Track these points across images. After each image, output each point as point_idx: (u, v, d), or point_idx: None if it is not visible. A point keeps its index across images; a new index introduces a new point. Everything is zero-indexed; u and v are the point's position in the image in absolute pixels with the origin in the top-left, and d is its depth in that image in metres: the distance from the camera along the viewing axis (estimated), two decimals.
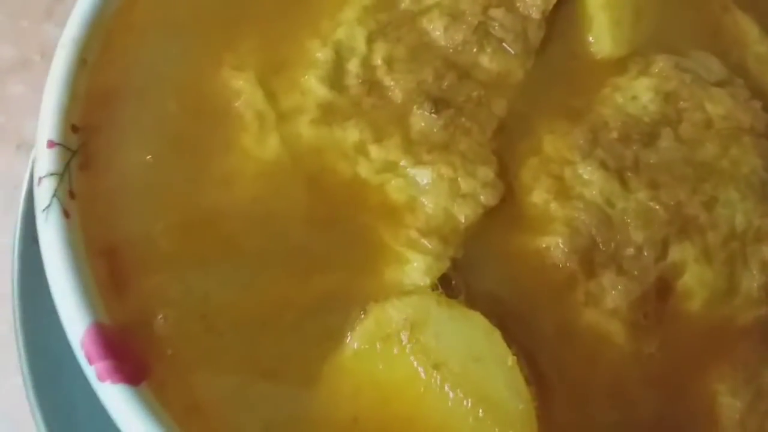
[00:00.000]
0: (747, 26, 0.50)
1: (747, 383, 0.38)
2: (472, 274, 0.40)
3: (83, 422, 0.46)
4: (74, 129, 0.41)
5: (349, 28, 0.46)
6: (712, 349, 0.39)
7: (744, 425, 0.38)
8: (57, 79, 0.41)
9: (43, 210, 0.37)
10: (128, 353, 0.35)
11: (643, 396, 0.38)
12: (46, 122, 0.40)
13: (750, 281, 0.41)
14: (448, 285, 0.39)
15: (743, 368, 0.39)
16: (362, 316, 0.38)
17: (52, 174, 0.38)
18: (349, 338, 0.37)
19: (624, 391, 0.38)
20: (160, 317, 0.37)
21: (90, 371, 0.34)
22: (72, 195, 0.39)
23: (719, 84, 0.46)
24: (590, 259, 0.40)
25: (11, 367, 0.49)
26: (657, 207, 0.41)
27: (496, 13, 0.47)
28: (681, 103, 0.45)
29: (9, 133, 0.62)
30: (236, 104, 0.43)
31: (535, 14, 0.47)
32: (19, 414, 0.49)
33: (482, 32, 0.46)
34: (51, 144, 0.39)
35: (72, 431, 0.46)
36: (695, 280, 0.40)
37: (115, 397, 0.34)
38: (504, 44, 0.46)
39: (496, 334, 0.37)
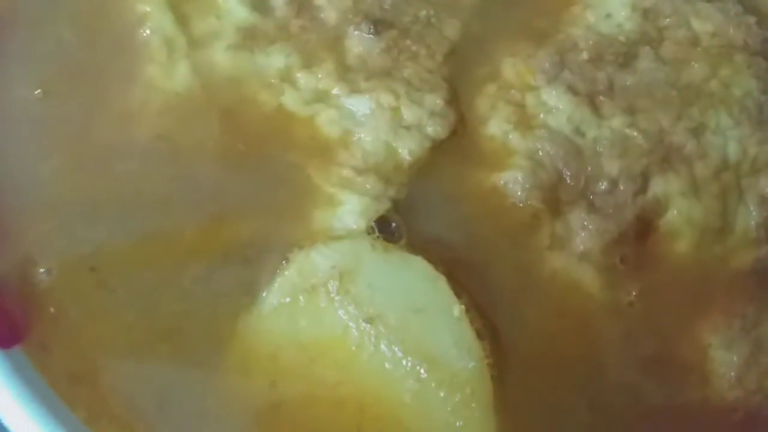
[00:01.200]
0: None
1: (744, 334, 0.33)
2: (417, 217, 0.34)
3: None
4: None
5: None
6: (702, 296, 0.34)
7: (742, 382, 0.31)
8: None
9: None
10: (2, 308, 0.29)
11: (622, 353, 0.32)
12: None
13: (746, 218, 0.35)
14: (387, 229, 0.33)
15: (740, 318, 0.33)
16: (284, 265, 0.32)
17: None
18: (266, 292, 0.31)
19: (599, 348, 0.32)
20: (42, 270, 0.32)
21: None
22: None
23: None
24: (556, 195, 0.34)
25: None
26: (635, 134, 0.35)
27: None
28: (662, 19, 0.39)
29: None
30: (141, 31, 0.37)
31: None
32: None
33: None
34: None
35: None
36: (682, 218, 0.34)
37: None
38: None
39: (441, 282, 0.31)
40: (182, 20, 0.38)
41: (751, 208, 0.35)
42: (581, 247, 0.33)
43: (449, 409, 0.29)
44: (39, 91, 0.36)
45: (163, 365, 0.30)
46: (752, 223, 0.35)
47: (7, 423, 0.28)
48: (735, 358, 0.32)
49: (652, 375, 0.32)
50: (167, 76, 0.36)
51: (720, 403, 0.32)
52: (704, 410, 0.31)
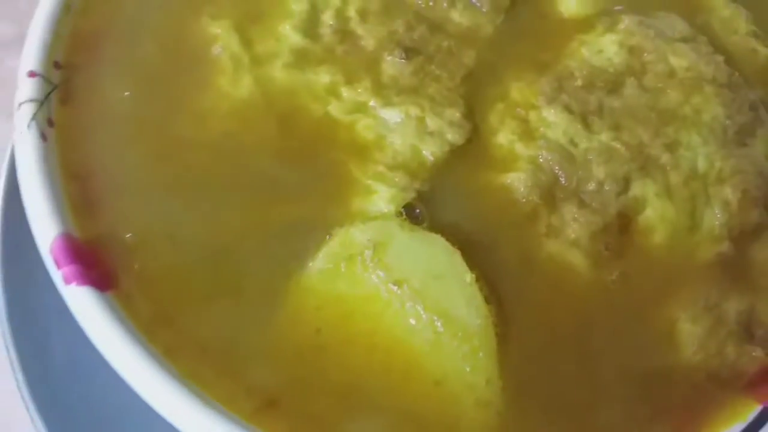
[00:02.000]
0: None
1: (707, 312, 0.39)
2: (437, 206, 0.41)
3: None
4: (57, 65, 0.42)
5: None
6: (673, 280, 0.40)
7: (704, 348, 0.38)
8: (41, 20, 0.43)
9: (22, 132, 0.39)
10: (95, 262, 0.36)
11: (604, 320, 0.38)
12: (29, 56, 0.41)
13: (712, 219, 0.42)
14: (412, 214, 0.40)
15: (703, 299, 0.39)
16: (327, 239, 0.39)
17: (32, 100, 0.40)
18: (313, 260, 0.38)
19: (585, 314, 0.38)
20: (129, 235, 0.38)
21: (57, 276, 0.35)
22: (51, 123, 0.40)
23: (683, 40, 0.48)
24: (552, 193, 0.41)
25: None
26: (619, 146, 0.42)
27: None
28: (645, 55, 0.47)
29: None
30: (213, 49, 0.45)
31: None
32: None
33: None
34: (32, 74, 0.41)
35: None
36: (656, 215, 0.41)
37: (80, 299, 0.35)
38: (474, 2, 0.48)
39: (456, 255, 0.37)
40: (246, 42, 0.45)
41: (716, 211, 0.42)
42: (572, 235, 0.40)
43: (460, 356, 0.36)
44: (128, 93, 0.43)
45: (226, 315, 0.37)
46: (716, 223, 0.42)
47: (102, 351, 0.34)
48: (699, 330, 0.38)
49: (630, 340, 0.38)
50: (234, 85, 0.44)
51: (686, 364, 0.38)
52: (673, 369, 0.38)
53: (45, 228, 0.36)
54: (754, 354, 0.38)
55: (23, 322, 0.46)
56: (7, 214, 0.51)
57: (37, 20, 0.43)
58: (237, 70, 0.44)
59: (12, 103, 0.68)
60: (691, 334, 0.38)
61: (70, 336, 0.38)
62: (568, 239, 0.40)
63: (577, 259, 0.40)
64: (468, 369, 0.36)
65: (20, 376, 0.47)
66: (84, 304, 0.35)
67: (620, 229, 0.41)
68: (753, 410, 0.36)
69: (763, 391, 0.37)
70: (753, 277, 0.41)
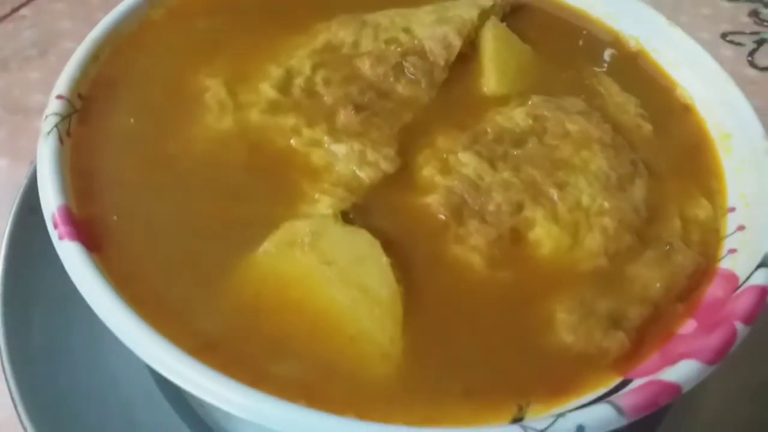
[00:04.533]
0: (609, 85, 0.65)
1: (580, 306, 0.47)
2: (367, 215, 0.51)
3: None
4: (80, 96, 0.55)
5: (300, 59, 0.61)
6: (555, 282, 0.49)
7: (575, 332, 0.46)
8: (73, 63, 0.56)
9: (44, 135, 0.50)
10: (87, 231, 0.46)
11: (495, 305, 0.46)
12: (60, 85, 0.54)
13: (592, 241, 0.51)
14: (346, 218, 0.50)
15: (580, 298, 0.48)
16: (276, 230, 0.48)
17: (56, 114, 0.51)
18: (262, 244, 0.47)
19: (480, 300, 0.47)
20: (114, 217, 0.48)
21: (54, 234, 0.44)
22: (69, 134, 0.52)
23: (579, 113, 0.60)
24: (460, 212, 0.51)
25: None
26: (516, 181, 0.53)
27: (412, 59, 0.62)
28: (546, 122, 0.59)
29: None
30: (205, 96, 0.57)
31: (441, 61, 0.63)
32: None
33: (399, 70, 0.62)
34: (60, 97, 0.53)
35: None
36: (544, 233, 0.51)
37: (71, 252, 0.44)
38: (414, 78, 0.61)
39: (377, 244, 0.47)
40: (232, 93, 0.58)
41: (597, 236, 0.51)
42: (473, 242, 0.49)
43: (371, 318, 0.44)
44: (132, 120, 0.55)
45: (183, 279, 0.45)
46: (595, 244, 0.51)
47: (82, 293, 0.43)
48: (573, 318, 0.46)
49: (516, 321, 0.46)
50: (218, 122, 0.55)
51: (560, 343, 0.45)
52: (551, 346, 0.45)
53: (51, 199, 0.46)
54: (616, 337, 0.45)
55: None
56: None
57: (71, 62, 0.55)
58: (222, 112, 0.56)
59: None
60: (565, 321, 0.46)
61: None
62: (470, 245, 0.49)
63: (475, 259, 0.49)
64: (377, 329, 0.44)
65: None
66: (73, 256, 0.44)
67: (512, 241, 0.50)
68: (615, 380, 0.44)
69: (623, 367, 0.44)
70: (624, 286, 0.49)
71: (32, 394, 0.53)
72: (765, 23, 1.11)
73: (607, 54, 0.70)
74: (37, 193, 0.48)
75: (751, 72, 1.03)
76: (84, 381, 0.55)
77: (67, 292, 0.44)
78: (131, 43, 0.60)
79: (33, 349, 0.55)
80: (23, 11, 0.95)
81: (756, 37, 1.08)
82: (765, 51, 1.06)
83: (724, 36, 1.08)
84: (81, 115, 0.54)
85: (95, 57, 0.57)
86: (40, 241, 0.48)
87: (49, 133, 0.50)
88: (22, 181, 0.67)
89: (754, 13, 1.12)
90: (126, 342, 0.41)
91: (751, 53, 1.05)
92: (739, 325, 0.44)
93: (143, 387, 0.55)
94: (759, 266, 0.48)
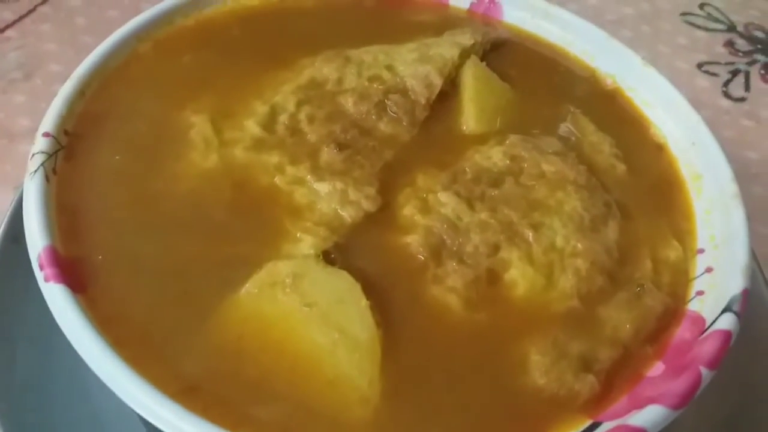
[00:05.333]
0: (585, 124, 0.67)
1: (554, 348, 0.49)
2: (349, 254, 0.52)
3: None
4: (66, 132, 0.55)
5: (285, 96, 0.63)
6: (529, 324, 0.50)
7: (548, 374, 0.47)
8: (60, 99, 0.57)
9: (30, 174, 0.50)
10: (72, 271, 0.46)
11: (471, 347, 0.48)
12: (46, 122, 0.55)
13: (565, 282, 0.53)
14: (328, 258, 0.51)
15: (552, 339, 0.49)
16: (258, 270, 0.49)
17: (43, 152, 0.52)
18: (244, 285, 0.48)
19: (456, 341, 0.48)
20: (99, 257, 0.49)
21: (40, 275, 0.45)
22: (55, 172, 0.52)
23: (555, 153, 0.62)
24: (439, 252, 0.53)
25: None
26: (493, 222, 0.55)
27: (394, 97, 0.64)
28: (523, 162, 0.60)
29: None
30: (190, 132, 0.58)
31: (422, 100, 0.64)
32: None
33: (381, 108, 0.63)
34: (46, 134, 0.53)
35: None
36: (519, 274, 0.52)
37: (55, 294, 0.45)
38: (396, 116, 0.63)
39: (357, 286, 0.48)
40: (218, 130, 0.59)
41: (570, 277, 0.53)
42: (451, 283, 0.51)
43: (350, 362, 0.45)
44: (118, 157, 0.56)
45: (166, 320, 0.46)
46: (569, 284, 0.52)
47: (66, 335, 0.43)
48: (546, 360, 0.48)
49: (490, 363, 0.48)
50: (203, 159, 0.56)
51: (533, 385, 0.47)
52: (523, 388, 0.47)
53: (37, 240, 0.47)
54: (587, 380, 0.47)
55: None
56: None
57: (57, 98, 0.56)
58: (207, 149, 0.57)
59: (23, 177, 0.81)
60: (539, 362, 0.48)
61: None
62: (448, 286, 0.51)
63: (453, 301, 0.50)
64: (356, 373, 0.45)
65: None
66: (57, 298, 0.45)
67: (489, 282, 0.52)
68: (585, 423, 0.45)
69: (593, 410, 0.46)
70: (596, 327, 0.51)
71: (16, 428, 0.53)
72: (740, 53, 1.14)
73: (584, 92, 0.72)
74: (21, 223, 0.49)
75: (725, 102, 1.06)
76: (67, 415, 0.56)
77: (51, 323, 0.45)
78: (118, 77, 0.61)
79: (16, 383, 0.56)
80: (8, 33, 0.95)
81: (731, 68, 1.11)
82: (739, 82, 1.09)
83: (699, 66, 1.11)
84: (67, 152, 0.55)
85: (81, 93, 0.58)
86: (23, 271, 0.48)
87: (35, 171, 0.51)
88: (6, 209, 0.68)
89: (729, 44, 1.16)
90: (109, 384, 0.42)
91: (726, 83, 1.09)
92: (704, 371, 0.46)
93: (127, 421, 0.55)
94: (724, 310, 0.50)
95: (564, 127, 0.66)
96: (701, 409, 0.60)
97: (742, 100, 1.06)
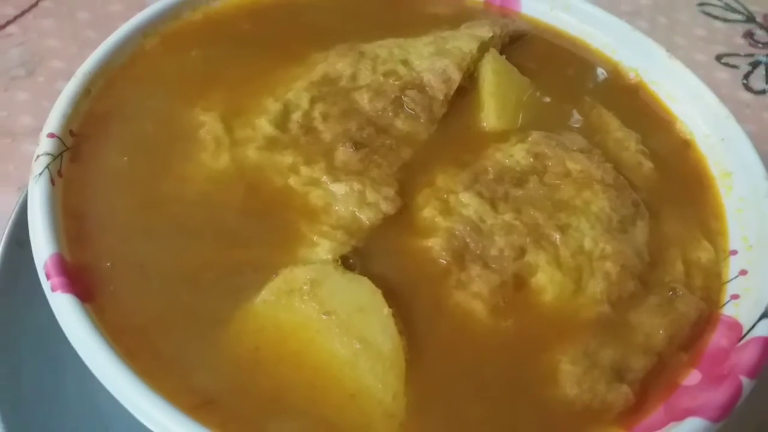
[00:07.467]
0: (609, 119, 0.64)
1: (585, 357, 0.46)
2: (368, 259, 0.50)
3: None
4: (71, 133, 0.53)
5: (298, 92, 0.60)
6: (559, 331, 0.48)
7: (580, 385, 0.45)
8: (64, 97, 0.54)
9: (35, 176, 0.48)
10: (79, 280, 0.44)
11: (498, 357, 0.46)
12: (51, 122, 0.52)
13: (594, 286, 0.50)
14: (347, 263, 0.49)
15: (583, 347, 0.47)
16: (274, 277, 0.47)
17: (47, 154, 0.50)
18: (260, 292, 0.46)
19: (482, 351, 0.46)
20: (108, 264, 0.46)
21: (47, 284, 0.43)
22: (60, 174, 0.50)
23: (580, 151, 0.59)
24: (462, 256, 0.50)
25: None
26: (518, 224, 0.52)
27: (411, 93, 0.61)
28: (547, 160, 0.58)
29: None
30: (200, 132, 0.56)
31: (440, 96, 0.62)
32: None
33: (398, 104, 0.61)
34: (51, 135, 0.51)
35: None
36: (547, 279, 0.50)
37: (63, 304, 0.42)
38: (414, 113, 0.60)
39: (378, 293, 0.46)
40: (228, 128, 0.56)
41: (599, 281, 0.51)
42: (476, 289, 0.48)
43: (373, 375, 0.43)
44: (126, 158, 0.53)
45: (179, 331, 0.44)
46: (598, 289, 0.50)
47: (75, 347, 0.41)
48: (577, 370, 0.45)
49: (519, 374, 0.45)
50: (213, 159, 0.54)
51: (564, 397, 0.45)
52: (554, 400, 0.44)
53: (43, 247, 0.45)
54: (621, 390, 0.45)
55: None
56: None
57: (62, 97, 0.54)
58: (218, 149, 0.55)
59: (26, 178, 0.79)
60: (569, 373, 0.46)
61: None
62: (472, 292, 0.48)
63: (478, 307, 0.48)
64: (379, 386, 0.43)
65: None
66: (65, 309, 0.42)
67: (516, 287, 0.49)
68: None
69: (628, 422, 0.44)
70: (627, 334, 0.49)
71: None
72: (759, 45, 1.11)
73: (606, 86, 0.69)
74: (26, 226, 0.47)
75: (746, 95, 1.03)
76: (75, 424, 0.54)
77: (58, 332, 0.43)
78: (123, 75, 0.59)
79: (23, 392, 0.53)
80: (10, 29, 0.93)
81: (751, 59, 1.08)
82: (759, 74, 1.06)
83: (719, 58, 1.08)
84: (72, 153, 0.52)
85: (87, 91, 0.55)
86: (29, 277, 0.46)
87: (40, 174, 0.48)
88: (11, 212, 0.66)
89: (748, 35, 1.12)
90: (120, 399, 0.40)
91: (746, 76, 1.06)
92: (744, 380, 0.43)
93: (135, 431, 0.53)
94: (762, 316, 0.47)
95: (587, 123, 0.64)
96: (732, 416, 0.58)
97: (763, 92, 1.03)
